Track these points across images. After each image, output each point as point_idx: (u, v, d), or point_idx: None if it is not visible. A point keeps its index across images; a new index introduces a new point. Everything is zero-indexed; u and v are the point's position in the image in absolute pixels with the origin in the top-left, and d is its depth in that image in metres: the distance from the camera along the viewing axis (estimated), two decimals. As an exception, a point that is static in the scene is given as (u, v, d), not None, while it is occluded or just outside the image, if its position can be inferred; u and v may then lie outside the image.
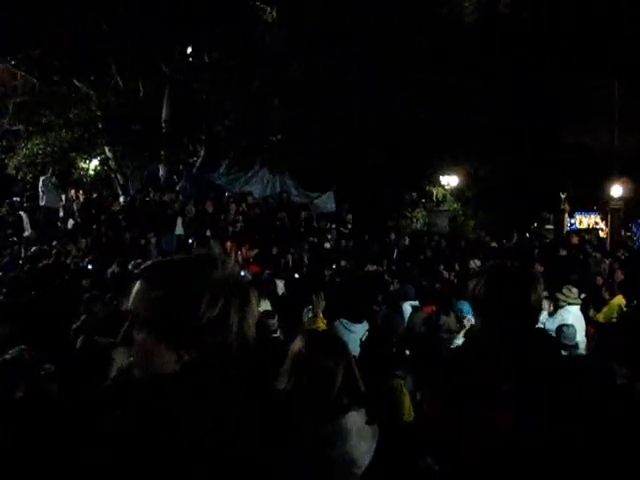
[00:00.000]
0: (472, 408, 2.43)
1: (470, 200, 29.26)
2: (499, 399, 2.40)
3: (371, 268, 13.08)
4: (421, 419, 2.73)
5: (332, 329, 6.91)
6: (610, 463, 2.40)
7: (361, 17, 20.15)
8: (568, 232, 25.38)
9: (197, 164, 21.32)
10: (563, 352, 5.56)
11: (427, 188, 28.82)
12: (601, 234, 27.01)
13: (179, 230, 16.54)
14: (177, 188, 19.61)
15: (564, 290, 8.76)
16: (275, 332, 7.74)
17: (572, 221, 29.93)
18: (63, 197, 18.97)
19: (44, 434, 3.20)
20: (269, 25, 20.69)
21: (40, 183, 18.08)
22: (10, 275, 10.32)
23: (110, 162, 21.24)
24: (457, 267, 14.47)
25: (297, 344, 3.08)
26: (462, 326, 7.38)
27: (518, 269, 2.72)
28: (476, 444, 2.40)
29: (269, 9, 20.47)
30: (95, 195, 19.73)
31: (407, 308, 9.21)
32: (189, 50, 21.31)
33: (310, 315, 7.29)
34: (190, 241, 15.43)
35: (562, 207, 29.18)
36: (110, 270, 11.86)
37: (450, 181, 28.28)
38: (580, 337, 8.03)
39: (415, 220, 28.00)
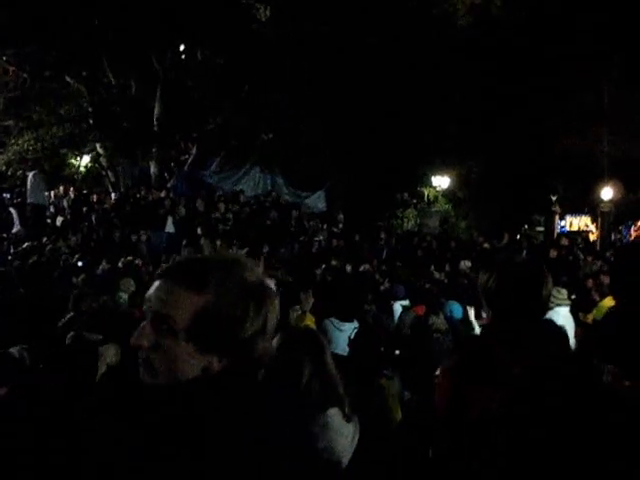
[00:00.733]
0: (479, 396, 2.46)
1: (461, 201, 29.36)
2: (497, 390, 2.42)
3: (362, 268, 13.09)
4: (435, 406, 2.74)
5: (322, 327, 6.92)
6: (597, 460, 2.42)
7: (353, 17, 20.18)
8: (558, 234, 25.52)
9: (188, 162, 21.30)
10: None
11: (419, 189, 28.90)
12: (591, 236, 27.15)
13: (169, 228, 16.52)
14: (168, 186, 19.59)
15: (553, 292, 8.77)
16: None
17: (562, 223, 30.05)
18: (52, 194, 18.87)
19: (33, 430, 3.19)
20: (262, 24, 20.67)
21: (28, 179, 17.98)
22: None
23: (101, 159, 21.17)
24: (448, 267, 14.52)
25: (274, 341, 3.08)
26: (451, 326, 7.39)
27: (530, 264, 2.74)
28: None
29: (262, 7, 20.44)
30: (85, 192, 19.65)
31: (398, 308, 9.22)
32: (182, 48, 21.27)
33: (298, 312, 7.30)
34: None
35: (553, 209, 29.30)
36: (100, 267, 11.84)
37: (442, 182, 28.37)
38: (569, 338, 8.05)
39: (406, 220, 28.05)
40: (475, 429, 2.44)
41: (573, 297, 9.55)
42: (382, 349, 5.19)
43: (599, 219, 26.91)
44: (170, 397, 1.55)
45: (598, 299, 10.35)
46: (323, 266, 13.50)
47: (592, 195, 26.81)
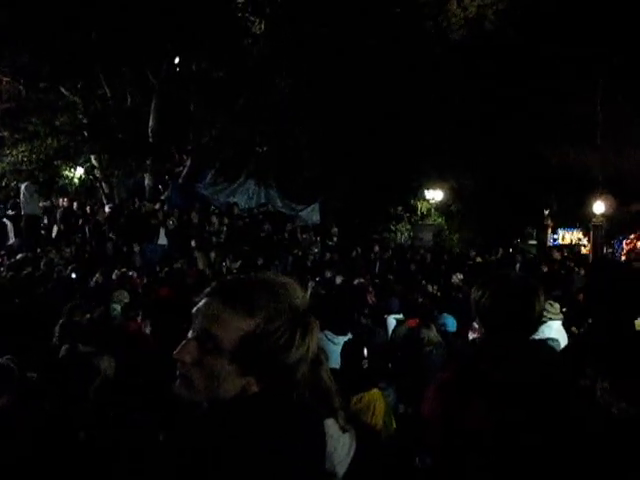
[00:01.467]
0: (469, 414, 2.49)
1: (454, 215, 29.47)
2: (492, 407, 2.46)
3: (356, 281, 13.12)
4: (423, 418, 2.78)
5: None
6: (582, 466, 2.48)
7: (348, 30, 20.30)
8: (549, 247, 25.60)
9: (183, 174, 21.31)
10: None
11: (412, 202, 29.00)
12: (583, 250, 27.27)
13: (162, 240, 16.50)
14: (162, 198, 19.59)
15: (546, 305, 8.80)
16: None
17: (555, 237, 30.18)
18: (46, 204, 18.82)
19: (30, 441, 3.21)
20: (257, 37, 20.77)
21: (21, 190, 17.95)
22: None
23: (95, 171, 21.17)
24: (441, 281, 14.56)
25: None
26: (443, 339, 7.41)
27: (523, 281, 2.78)
28: (467, 444, 2.46)
29: (257, 21, 20.55)
30: (75, 203, 19.62)
31: (392, 321, 9.24)
32: (177, 60, 21.33)
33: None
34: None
35: (545, 223, 29.44)
36: (94, 279, 11.83)
37: (435, 195, 28.50)
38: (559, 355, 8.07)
39: (400, 234, 28.12)
40: (467, 441, 2.48)
41: (564, 310, 9.57)
42: (374, 362, 5.20)
43: (591, 233, 27.04)
44: (204, 414, 1.57)
45: (589, 313, 10.38)
46: (317, 279, 13.52)
47: (585, 209, 26.93)
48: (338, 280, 13.46)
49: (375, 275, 15.62)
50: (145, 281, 11.81)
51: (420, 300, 11.05)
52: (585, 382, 3.07)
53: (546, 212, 29.45)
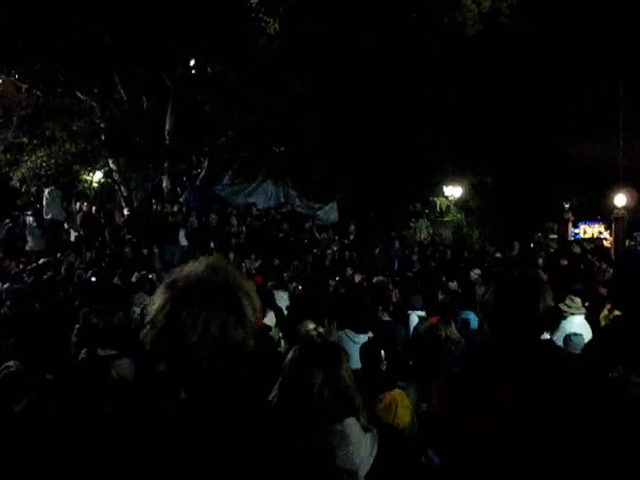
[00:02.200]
0: (473, 410, 2.47)
1: (474, 211, 29.29)
2: (497, 404, 2.44)
3: (376, 279, 13.05)
4: (430, 415, 2.80)
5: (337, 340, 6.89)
6: (604, 463, 2.43)
7: (363, 28, 20.24)
8: (570, 242, 25.37)
9: (200, 176, 21.37)
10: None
11: (431, 199, 28.87)
12: (605, 243, 26.97)
13: (182, 242, 16.57)
14: (180, 200, 19.65)
15: (567, 300, 8.69)
16: (279, 344, 7.73)
17: (576, 231, 29.90)
18: (69, 209, 18.98)
19: (46, 446, 3.19)
20: (271, 37, 20.76)
21: (44, 195, 18.13)
22: (14, 287, 10.30)
23: (114, 174, 21.28)
24: (461, 277, 14.43)
25: (289, 353, 3.08)
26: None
27: (526, 276, 2.73)
28: (475, 444, 2.44)
29: (271, 21, 20.53)
30: (94, 207, 19.74)
31: (414, 318, 9.20)
32: (192, 63, 21.38)
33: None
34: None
35: (566, 217, 29.17)
36: (114, 282, 11.87)
37: (454, 192, 28.32)
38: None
39: (419, 231, 28.01)
40: (473, 435, 2.45)
41: (587, 304, 9.45)
42: (393, 360, 5.16)
43: (613, 226, 26.76)
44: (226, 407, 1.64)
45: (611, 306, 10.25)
46: (337, 278, 13.48)
47: (605, 202, 26.67)
48: (357, 278, 13.42)
49: (394, 273, 15.54)
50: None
51: (441, 297, 11.00)
52: (614, 375, 3.01)
53: (566, 206, 29.18)
